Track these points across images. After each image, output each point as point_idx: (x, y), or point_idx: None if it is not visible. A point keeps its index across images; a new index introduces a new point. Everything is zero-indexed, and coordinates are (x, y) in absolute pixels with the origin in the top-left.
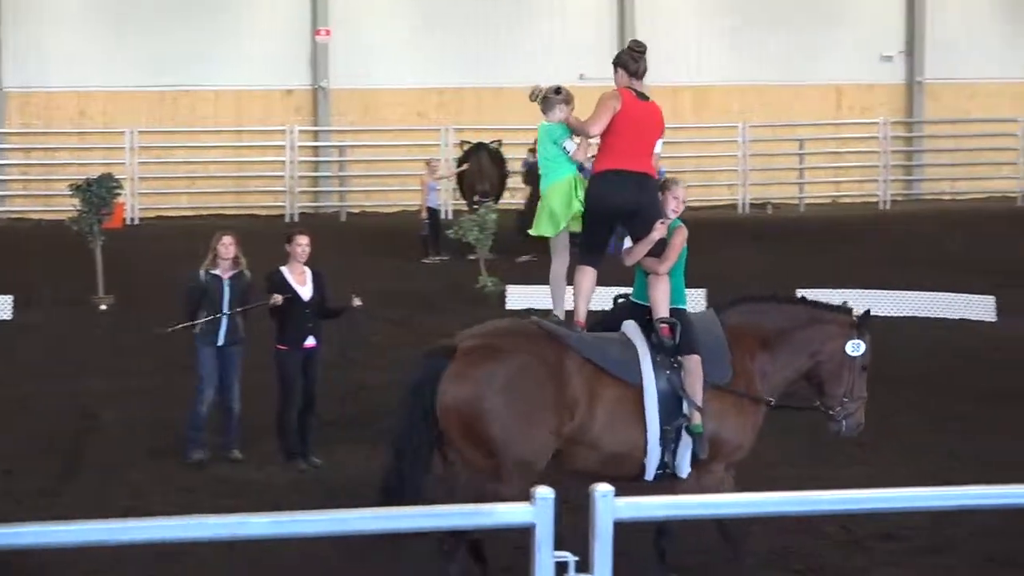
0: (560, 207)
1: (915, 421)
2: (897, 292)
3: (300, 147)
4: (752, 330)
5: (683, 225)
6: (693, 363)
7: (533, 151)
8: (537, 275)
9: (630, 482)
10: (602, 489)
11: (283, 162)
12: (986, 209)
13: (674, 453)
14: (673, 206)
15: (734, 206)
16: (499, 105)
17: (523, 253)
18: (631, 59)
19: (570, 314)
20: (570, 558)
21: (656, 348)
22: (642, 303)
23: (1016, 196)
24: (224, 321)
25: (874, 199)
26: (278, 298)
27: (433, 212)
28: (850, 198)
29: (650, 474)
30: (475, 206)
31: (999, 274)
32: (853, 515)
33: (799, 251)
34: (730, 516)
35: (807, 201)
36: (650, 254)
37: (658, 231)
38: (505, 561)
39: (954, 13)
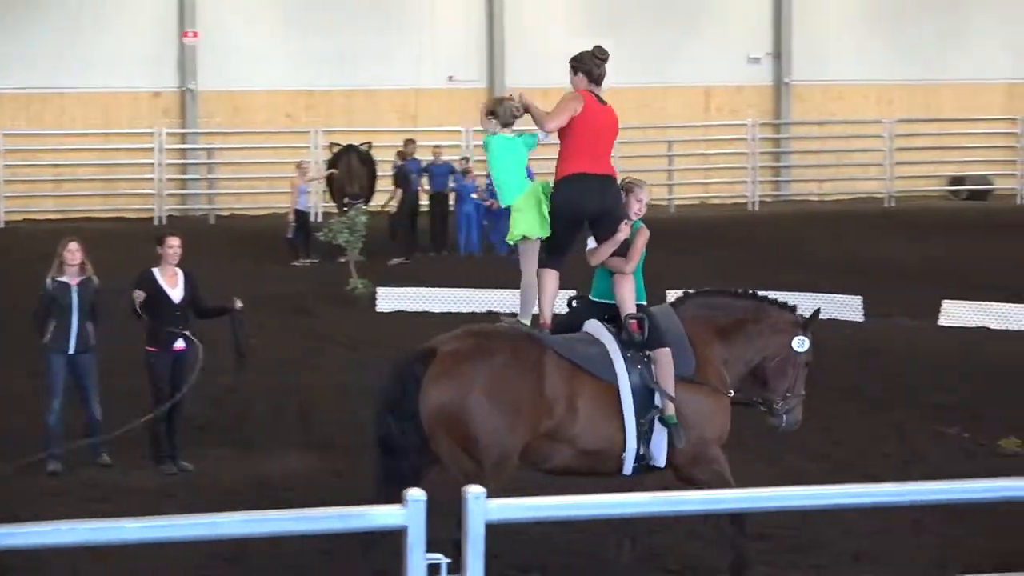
0: (534, 214)
1: None
2: (766, 293)
3: (168, 149)
4: (708, 324)
5: (644, 226)
6: (664, 356)
7: (402, 154)
8: (408, 278)
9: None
10: (474, 491)
11: (151, 164)
12: (853, 210)
13: (648, 444)
14: (636, 208)
15: None
16: (369, 107)
17: (394, 256)
18: (594, 64)
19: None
20: (442, 560)
21: (626, 344)
22: (603, 301)
23: (882, 197)
24: (74, 328)
25: (743, 200)
26: (140, 294)
27: (302, 215)
28: (719, 199)
29: (628, 468)
30: (345, 208)
31: (866, 274)
32: (727, 515)
33: (669, 252)
34: (600, 517)
35: (676, 202)
36: (614, 254)
37: (623, 232)
38: (379, 564)
39: (821, 16)
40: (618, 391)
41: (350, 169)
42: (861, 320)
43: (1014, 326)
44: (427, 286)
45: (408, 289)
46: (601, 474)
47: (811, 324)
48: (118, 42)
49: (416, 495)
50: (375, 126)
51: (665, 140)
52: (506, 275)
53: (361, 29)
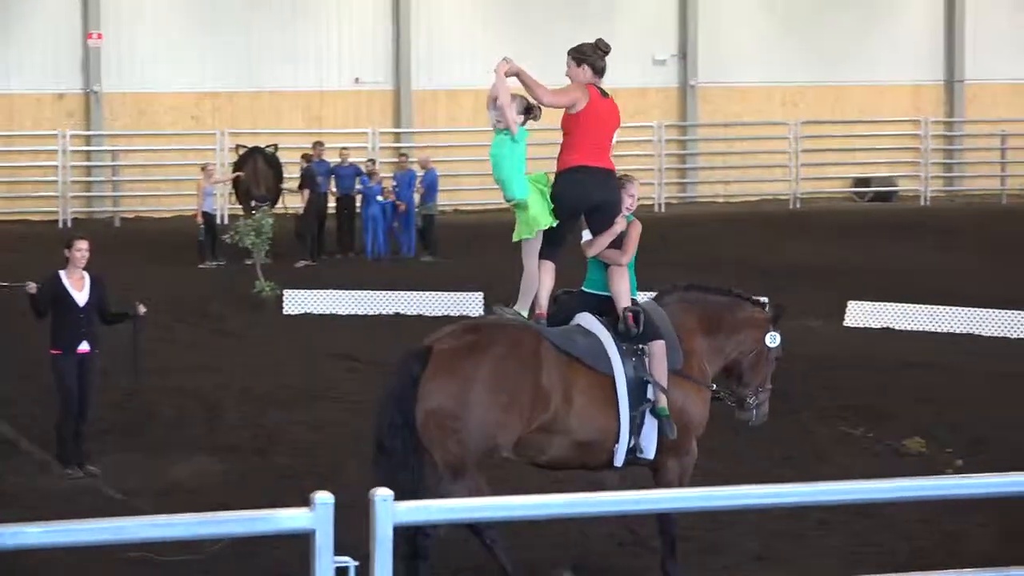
0: (541, 213)
1: None
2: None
3: (73, 152)
4: (691, 318)
5: (636, 220)
6: (659, 348)
7: (307, 157)
8: (314, 280)
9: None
10: (381, 494)
11: (55, 167)
12: (759, 212)
13: (639, 436)
14: (628, 203)
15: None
16: (275, 109)
17: (301, 258)
18: (598, 57)
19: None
20: (350, 563)
21: (620, 336)
22: (596, 293)
23: (788, 199)
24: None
25: (649, 202)
26: (31, 285)
27: (209, 217)
28: None
29: (619, 460)
30: (252, 211)
31: (772, 276)
32: (637, 516)
33: (572, 255)
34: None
35: None
36: (608, 247)
37: (619, 225)
38: (285, 568)
39: (726, 17)
40: (614, 383)
41: (256, 171)
42: None
43: (918, 327)
44: (334, 288)
45: (315, 292)
46: (591, 467)
47: (779, 319)
48: (21, 44)
49: (324, 498)
50: (281, 128)
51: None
52: (413, 277)
53: (267, 31)
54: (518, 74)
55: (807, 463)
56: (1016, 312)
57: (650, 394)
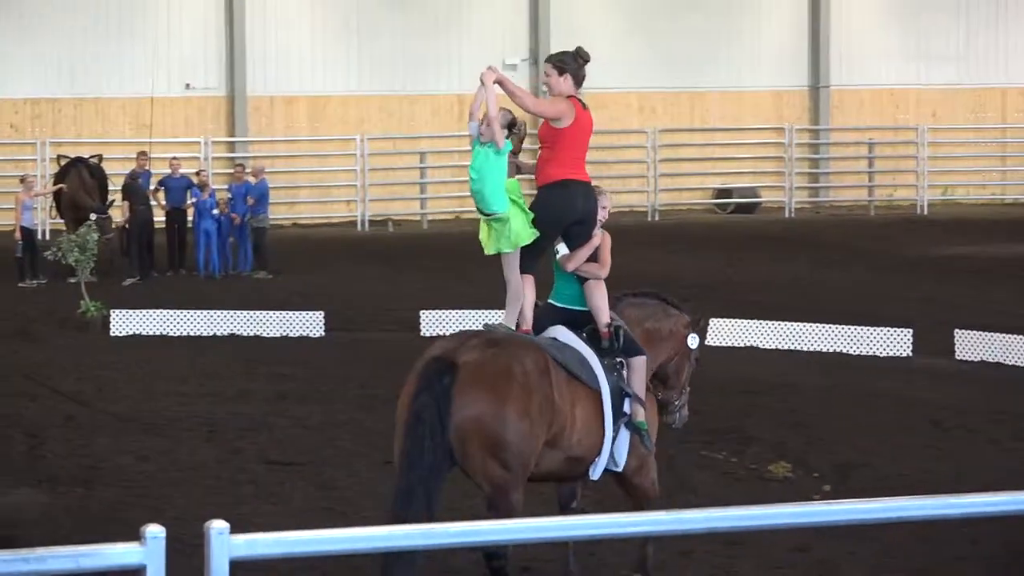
0: (523, 228)
1: None
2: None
3: None
4: (638, 327)
5: (606, 232)
6: (639, 363)
7: (134, 167)
8: (143, 300)
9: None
10: (217, 526)
11: None
12: (616, 224)
13: (612, 449)
14: (602, 215)
15: (353, 223)
16: (100, 117)
17: (128, 276)
18: (579, 66)
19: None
20: None
21: (602, 351)
22: (567, 307)
23: (646, 211)
24: None
25: None
26: None
27: (28, 232)
28: (474, 214)
29: (597, 473)
30: (89, 224)
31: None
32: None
33: (423, 271)
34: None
35: (430, 218)
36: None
37: (597, 238)
38: None
39: (579, 21)
40: (599, 397)
41: (83, 183)
42: None
43: (783, 345)
44: (164, 308)
45: (144, 311)
46: (568, 480)
47: (697, 322)
48: None
49: (155, 531)
50: (107, 137)
51: (416, 151)
52: (249, 295)
53: (91, 34)
54: (501, 82)
55: (667, 490)
56: (885, 329)
57: (627, 407)
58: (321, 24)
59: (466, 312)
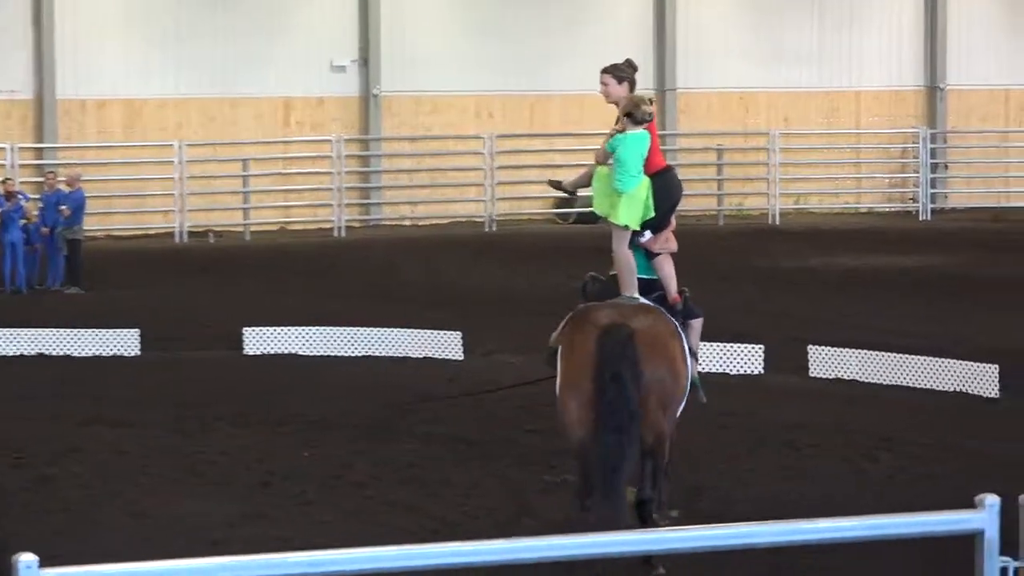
0: (643, 203)
1: (369, 471)
2: (356, 329)
3: None
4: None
5: None
6: (699, 324)
7: None
8: None
9: None
10: (25, 560)
11: None
12: (451, 235)
13: None
14: None
15: (171, 235)
16: None
17: None
18: (632, 75)
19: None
20: None
21: (673, 314)
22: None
23: (483, 221)
24: None
25: (328, 225)
26: None
27: None
28: (301, 224)
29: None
30: None
31: (466, 307)
32: None
33: (247, 285)
34: None
35: (253, 228)
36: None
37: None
38: None
39: (413, 19)
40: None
41: None
42: (461, 358)
43: None
44: None
45: None
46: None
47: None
48: None
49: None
50: None
51: (239, 158)
52: (59, 312)
53: None
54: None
55: (508, 516)
56: (735, 345)
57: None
58: (137, 22)
59: (292, 329)
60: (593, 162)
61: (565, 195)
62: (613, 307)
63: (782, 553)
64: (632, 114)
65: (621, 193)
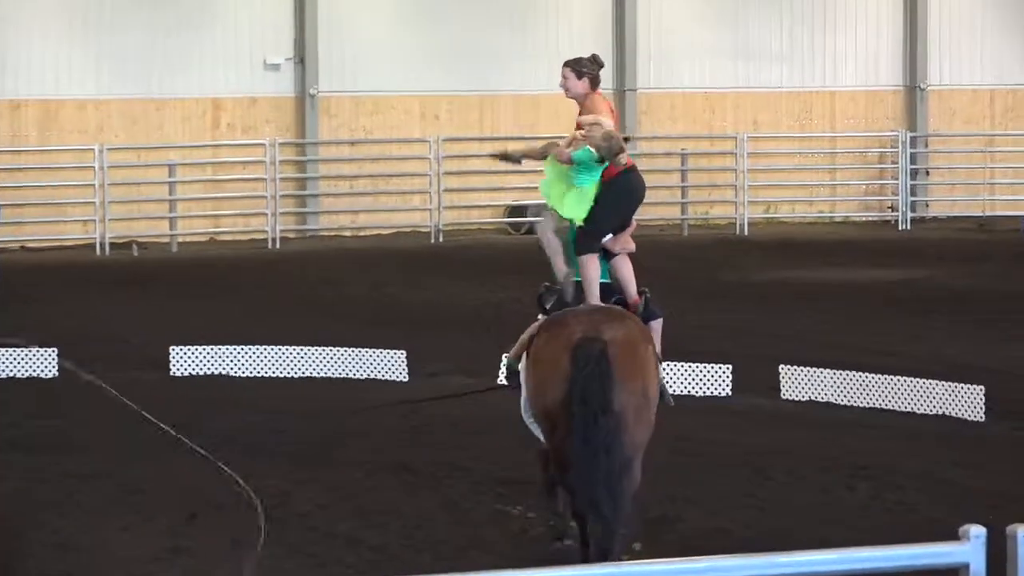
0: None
1: (308, 501)
2: (292, 348)
3: None
4: None
5: None
6: (658, 325)
7: None
8: None
9: None
10: None
11: None
12: (394, 247)
13: None
14: None
15: (91, 246)
16: None
17: None
18: (596, 71)
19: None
20: None
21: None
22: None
23: (429, 231)
24: None
25: (261, 236)
26: None
27: None
28: (232, 235)
29: None
30: None
31: (411, 324)
32: None
33: (174, 301)
34: None
35: (180, 239)
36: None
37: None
38: None
39: (352, 14)
40: None
41: None
42: (406, 379)
43: None
44: None
45: None
46: None
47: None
48: None
49: None
50: None
51: (165, 163)
52: None
53: None
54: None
55: (456, 548)
56: (701, 365)
57: None
58: (55, 17)
59: (223, 348)
60: (548, 154)
61: (512, 163)
62: (583, 314)
63: None
64: (601, 152)
65: (574, 187)
